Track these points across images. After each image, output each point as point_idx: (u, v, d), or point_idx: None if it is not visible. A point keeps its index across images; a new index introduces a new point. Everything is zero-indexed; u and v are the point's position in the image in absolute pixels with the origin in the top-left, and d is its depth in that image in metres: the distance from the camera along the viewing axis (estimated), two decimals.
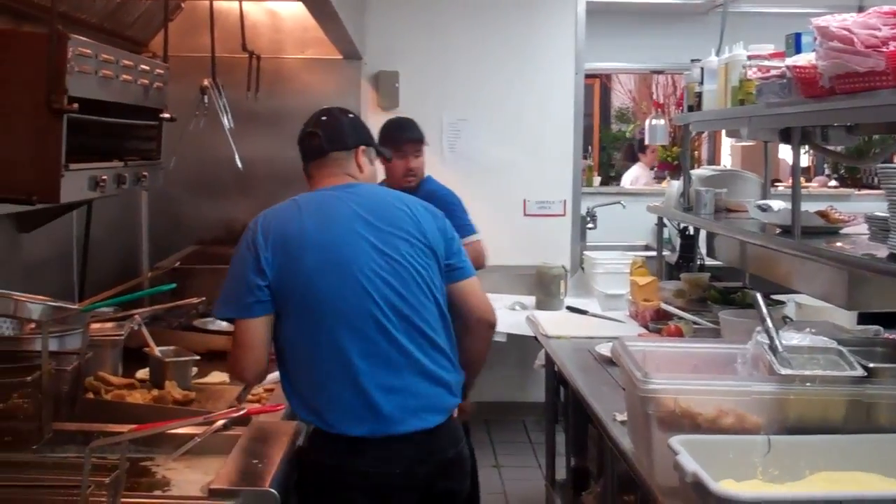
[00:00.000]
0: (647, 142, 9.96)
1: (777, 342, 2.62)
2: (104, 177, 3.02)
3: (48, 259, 4.08)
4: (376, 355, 2.77)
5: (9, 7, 3.18)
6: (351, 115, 3.14)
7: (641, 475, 2.69)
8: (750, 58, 4.05)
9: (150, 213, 5.66)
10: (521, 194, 6.68)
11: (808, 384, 2.52)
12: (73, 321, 3.14)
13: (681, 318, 4.51)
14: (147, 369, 3.44)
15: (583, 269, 6.55)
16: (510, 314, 5.67)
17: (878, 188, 9.67)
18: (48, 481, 2.48)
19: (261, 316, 2.79)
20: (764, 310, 2.72)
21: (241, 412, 2.68)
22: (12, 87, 2.60)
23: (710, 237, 5.23)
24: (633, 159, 10.94)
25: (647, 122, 9.75)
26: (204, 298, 3.99)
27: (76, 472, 2.28)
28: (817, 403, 2.52)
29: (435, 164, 4.73)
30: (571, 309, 5.46)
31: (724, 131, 5.96)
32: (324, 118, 3.08)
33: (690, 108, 4.88)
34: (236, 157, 4.48)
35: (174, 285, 3.94)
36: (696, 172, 5.33)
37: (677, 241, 5.68)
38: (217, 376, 3.59)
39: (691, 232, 5.42)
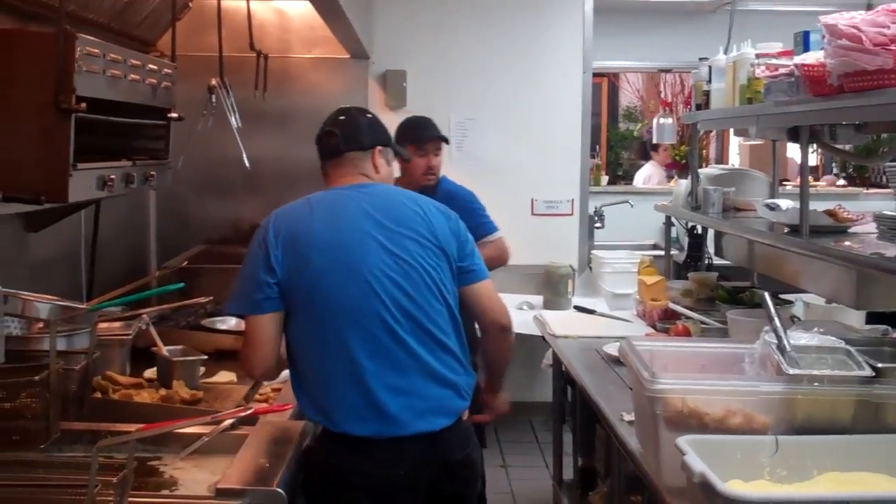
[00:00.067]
0: (654, 140, 9.95)
1: (785, 342, 2.62)
2: (112, 176, 3.02)
3: (56, 258, 4.09)
4: (383, 356, 2.76)
5: (17, 7, 3.19)
6: (369, 115, 3.13)
7: (649, 475, 2.68)
8: (758, 56, 4.04)
9: (158, 213, 5.67)
10: (529, 193, 6.67)
11: (816, 384, 2.51)
12: (80, 321, 3.16)
13: (688, 317, 4.50)
14: (155, 369, 3.44)
15: (590, 268, 6.54)
16: (518, 313, 5.64)
17: (887, 187, 9.67)
18: (56, 480, 2.49)
19: (269, 313, 2.80)
20: (772, 309, 2.71)
21: (249, 412, 2.69)
22: (20, 87, 2.60)
23: (718, 236, 5.22)
24: (645, 157, 10.91)
25: (654, 120, 9.75)
26: (212, 298, 3.99)
27: (84, 472, 2.28)
28: (825, 403, 2.51)
29: (443, 164, 4.73)
30: (579, 308, 5.45)
31: (732, 130, 5.97)
32: (342, 118, 3.08)
33: (698, 107, 4.88)
34: (244, 156, 4.48)
35: (182, 285, 3.95)
36: (704, 171, 5.32)
37: (685, 241, 5.68)
38: (225, 376, 3.59)
39: (699, 231, 5.41)
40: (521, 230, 6.32)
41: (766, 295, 2.84)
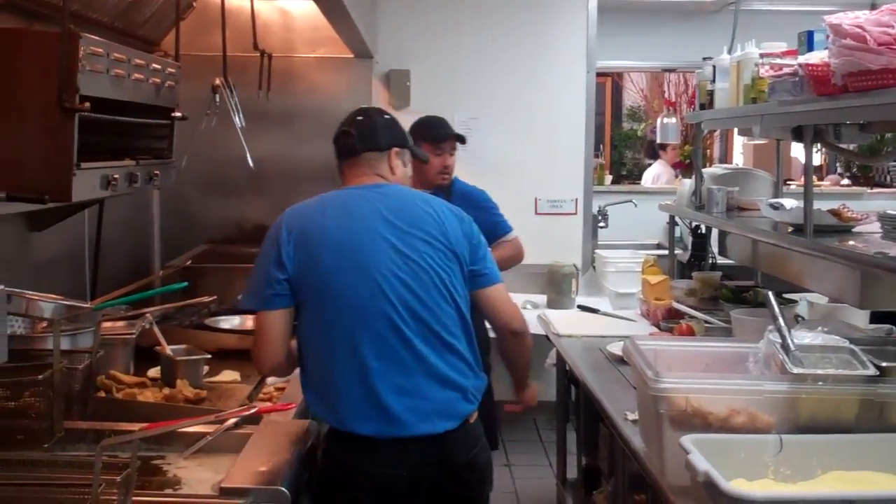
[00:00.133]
0: (658, 140, 9.93)
1: (789, 341, 2.61)
2: (116, 176, 3.03)
3: (60, 258, 4.09)
4: (389, 356, 2.77)
5: (20, 6, 3.19)
6: (387, 117, 3.14)
7: (653, 474, 2.68)
8: (762, 56, 4.03)
9: (161, 212, 5.67)
10: (533, 193, 6.66)
11: (820, 383, 2.51)
12: (84, 320, 3.16)
13: (692, 316, 4.50)
14: (158, 368, 3.44)
15: (594, 267, 6.53)
16: (522, 313, 5.65)
17: (891, 186, 9.66)
18: (60, 479, 2.49)
19: (279, 309, 2.82)
20: (776, 308, 2.70)
21: (252, 411, 2.69)
22: (24, 86, 2.60)
23: (722, 236, 5.21)
24: (654, 157, 10.87)
25: (658, 120, 9.73)
26: (215, 297, 4.00)
27: (87, 471, 2.29)
28: (829, 402, 2.51)
29: None
30: (583, 308, 5.45)
31: (736, 129, 5.95)
32: (359, 118, 3.08)
33: (702, 107, 4.87)
34: (248, 155, 4.48)
35: (186, 284, 3.96)
36: (707, 171, 5.32)
37: (689, 240, 5.67)
38: (228, 375, 3.59)
39: (703, 230, 5.41)
40: (525, 229, 6.27)
41: (770, 294, 2.84)
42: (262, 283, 2.82)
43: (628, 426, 3.09)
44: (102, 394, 3.16)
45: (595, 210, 7.18)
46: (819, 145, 3.88)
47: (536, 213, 6.66)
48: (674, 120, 9.50)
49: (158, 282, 4.72)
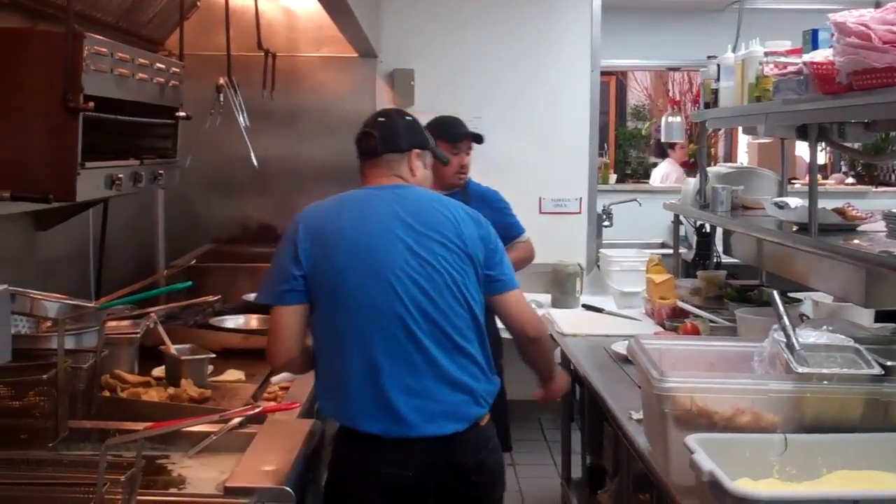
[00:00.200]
0: (663, 139, 9.93)
1: (794, 340, 2.61)
2: (120, 175, 3.02)
3: (64, 257, 4.09)
4: (400, 356, 2.78)
5: (24, 6, 3.19)
6: (408, 118, 3.13)
7: (657, 474, 2.68)
8: (767, 54, 4.03)
9: (165, 212, 5.66)
10: (537, 192, 6.66)
11: (825, 382, 2.50)
12: (89, 319, 3.16)
13: (697, 315, 4.50)
14: (163, 367, 3.45)
15: (598, 266, 6.53)
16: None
17: None
18: (64, 479, 2.49)
19: (293, 304, 2.84)
20: (781, 307, 2.70)
21: (257, 410, 2.69)
22: (28, 86, 2.60)
23: (727, 235, 5.21)
24: (662, 156, 10.85)
25: (663, 119, 9.73)
26: (220, 296, 4.00)
27: (92, 470, 2.28)
28: (834, 402, 2.50)
29: None
30: (587, 307, 5.45)
31: (740, 128, 5.95)
32: (381, 119, 3.09)
33: (707, 105, 4.87)
34: (252, 155, 4.48)
35: (190, 283, 3.96)
36: (712, 170, 5.31)
37: (694, 239, 5.66)
38: (233, 374, 3.59)
39: (708, 229, 5.40)
40: (529, 229, 6.26)
41: (775, 293, 2.83)
42: (278, 279, 2.85)
43: (633, 425, 3.09)
44: (107, 393, 3.16)
45: (599, 209, 7.18)
46: (824, 144, 3.87)
47: (541, 213, 6.66)
48: (678, 119, 9.51)
49: (163, 281, 4.71)
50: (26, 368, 2.69)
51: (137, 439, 2.29)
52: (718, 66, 4.62)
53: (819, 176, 4.01)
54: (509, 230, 4.58)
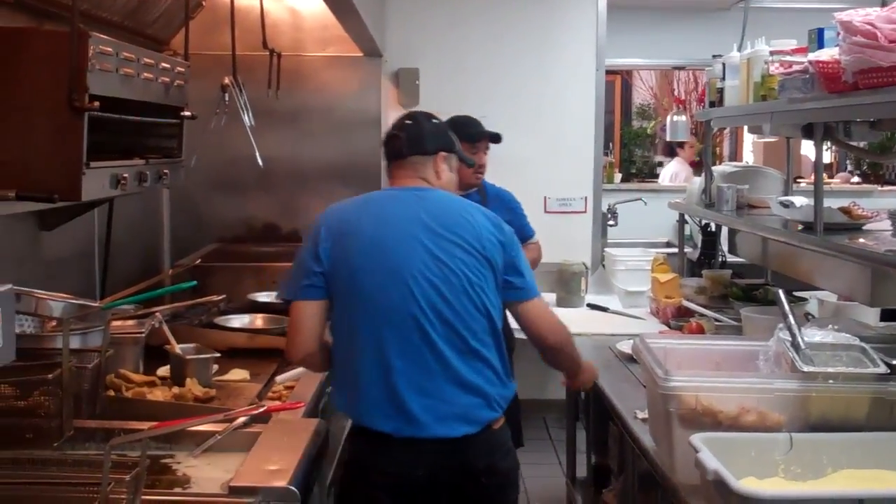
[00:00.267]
0: (668, 138, 9.92)
1: (799, 339, 2.61)
2: (125, 175, 3.02)
3: (70, 257, 4.09)
4: (414, 357, 2.80)
5: (30, 5, 3.19)
6: (435, 121, 3.16)
7: (662, 473, 2.68)
8: (772, 53, 4.02)
9: (171, 211, 5.67)
10: (542, 191, 6.66)
11: (830, 381, 2.50)
12: (94, 319, 3.16)
13: (702, 315, 4.49)
14: (168, 367, 3.45)
15: (603, 266, 6.53)
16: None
17: None
18: (69, 478, 2.48)
19: (311, 300, 2.87)
20: (786, 306, 2.70)
21: (262, 409, 2.70)
22: (33, 86, 2.60)
23: (732, 234, 5.20)
24: (671, 154, 10.83)
25: (668, 118, 9.71)
26: (224, 296, 4.00)
27: (97, 470, 2.29)
28: (840, 401, 2.50)
29: None
30: (592, 306, 5.45)
31: (745, 127, 5.93)
32: (408, 122, 3.12)
33: (712, 104, 4.86)
34: (257, 154, 4.48)
35: (195, 283, 3.96)
36: (717, 169, 5.30)
37: (699, 238, 5.66)
38: (237, 374, 3.59)
39: (713, 229, 5.40)
40: (534, 228, 6.31)
41: (781, 292, 2.83)
42: (299, 275, 2.89)
43: (638, 425, 3.09)
44: (112, 393, 3.16)
45: (604, 208, 7.18)
46: (829, 143, 3.87)
47: (546, 212, 6.65)
48: (683, 118, 9.49)
49: (168, 281, 4.71)
50: (31, 368, 2.69)
51: (142, 439, 2.29)
52: (724, 64, 4.61)
53: (824, 175, 3.99)
54: (522, 231, 4.59)
